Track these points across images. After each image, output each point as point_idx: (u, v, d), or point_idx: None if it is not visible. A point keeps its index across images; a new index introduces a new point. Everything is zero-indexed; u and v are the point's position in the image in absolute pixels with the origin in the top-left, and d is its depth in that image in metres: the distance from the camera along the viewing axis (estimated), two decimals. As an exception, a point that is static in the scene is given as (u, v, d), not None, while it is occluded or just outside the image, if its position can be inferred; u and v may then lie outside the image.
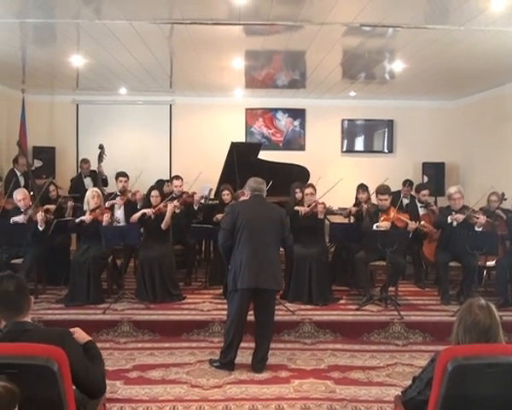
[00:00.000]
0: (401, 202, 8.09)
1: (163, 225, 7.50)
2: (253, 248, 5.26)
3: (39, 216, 7.16)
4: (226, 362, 5.42)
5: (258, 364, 5.44)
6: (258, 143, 10.51)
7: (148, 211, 7.46)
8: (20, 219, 7.23)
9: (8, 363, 2.60)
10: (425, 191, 8.57)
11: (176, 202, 7.81)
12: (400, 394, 3.30)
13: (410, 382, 3.25)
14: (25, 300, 2.94)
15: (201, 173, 8.56)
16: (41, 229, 7.20)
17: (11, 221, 7.22)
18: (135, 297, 7.27)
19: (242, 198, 7.36)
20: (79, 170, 10.21)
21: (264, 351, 5.48)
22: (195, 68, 7.99)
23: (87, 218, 7.25)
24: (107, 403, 3.84)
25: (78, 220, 7.33)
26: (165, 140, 11.19)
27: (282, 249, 7.94)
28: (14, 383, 2.25)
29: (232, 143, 9.24)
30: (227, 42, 6.37)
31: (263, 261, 5.27)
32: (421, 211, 8.46)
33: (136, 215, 7.49)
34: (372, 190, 7.95)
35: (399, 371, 5.53)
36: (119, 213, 8.05)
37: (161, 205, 7.54)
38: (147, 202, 7.82)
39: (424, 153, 10.98)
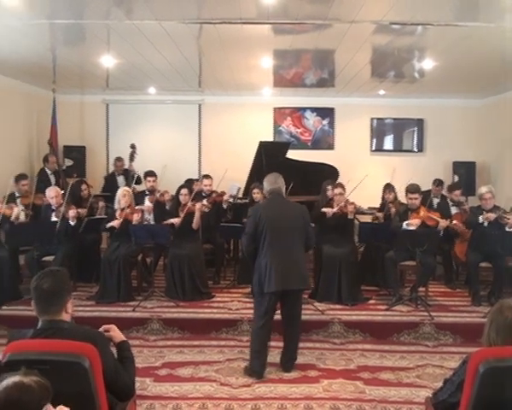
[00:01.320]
0: (431, 201, 7.99)
1: (194, 225, 7.54)
2: (277, 250, 5.18)
3: (71, 213, 7.29)
4: (255, 370, 5.32)
5: (287, 363, 5.43)
6: (286, 143, 10.50)
7: (176, 222, 7.49)
8: (52, 217, 7.37)
9: (40, 359, 2.63)
10: (458, 191, 8.42)
11: (205, 202, 7.85)
12: (431, 395, 3.27)
13: (440, 384, 3.22)
14: (57, 301, 2.94)
15: (228, 171, 8.56)
16: (72, 224, 7.31)
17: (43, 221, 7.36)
18: (164, 295, 7.32)
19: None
20: (113, 168, 10.32)
21: (292, 351, 5.46)
22: (224, 67, 8.01)
23: (116, 223, 7.33)
24: (138, 400, 3.87)
25: (108, 226, 7.44)
26: (195, 139, 11.24)
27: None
28: (46, 378, 2.26)
29: (260, 142, 9.24)
30: (255, 41, 6.37)
31: (288, 262, 5.18)
32: (453, 210, 8.35)
33: (165, 224, 7.53)
34: (401, 189, 7.89)
35: (429, 372, 5.48)
36: (149, 216, 8.12)
37: (190, 204, 7.57)
38: (176, 201, 7.87)
39: (454, 152, 10.84)
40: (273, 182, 5.42)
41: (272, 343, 5.55)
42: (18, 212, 7.16)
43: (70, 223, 7.33)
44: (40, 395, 2.16)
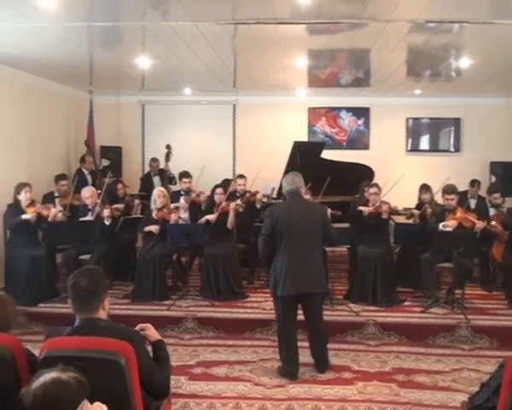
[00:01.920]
0: (468, 202, 7.88)
1: (228, 225, 7.58)
2: (293, 253, 5.11)
3: (106, 212, 7.39)
4: (285, 371, 5.32)
5: (319, 364, 5.39)
6: (321, 143, 10.46)
7: (211, 218, 7.53)
8: (88, 217, 7.48)
9: (77, 356, 2.67)
10: (497, 194, 8.23)
11: (239, 201, 7.88)
12: (467, 400, 3.22)
13: (476, 388, 3.17)
14: (94, 299, 2.97)
15: (262, 171, 8.56)
16: (107, 223, 7.41)
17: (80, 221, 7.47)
18: (199, 294, 7.38)
19: (305, 197, 7.38)
20: (148, 169, 10.43)
21: (319, 353, 5.39)
22: (259, 68, 8.02)
23: (154, 228, 7.41)
24: (172, 398, 3.91)
25: (147, 230, 7.52)
26: (229, 139, 11.28)
27: (346, 250, 8.01)
28: (83, 375, 2.28)
29: (295, 142, 9.22)
30: (290, 41, 6.36)
31: (304, 265, 5.10)
32: (492, 211, 8.21)
33: (201, 221, 7.58)
34: (438, 189, 7.80)
35: (465, 376, 5.40)
36: (184, 214, 8.18)
37: (224, 204, 7.61)
38: (211, 201, 7.91)
39: (492, 152, 10.65)
40: (291, 182, 5.33)
41: (305, 344, 5.53)
42: (55, 213, 7.28)
43: (105, 222, 7.43)
44: (77, 392, 2.18)
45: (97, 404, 2.25)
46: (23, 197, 7.10)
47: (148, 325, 3.29)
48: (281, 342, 5.37)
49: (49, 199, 7.94)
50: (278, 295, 5.15)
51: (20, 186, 7.14)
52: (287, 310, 5.21)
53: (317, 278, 5.20)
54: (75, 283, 2.97)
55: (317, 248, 5.27)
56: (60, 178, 8.38)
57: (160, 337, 3.31)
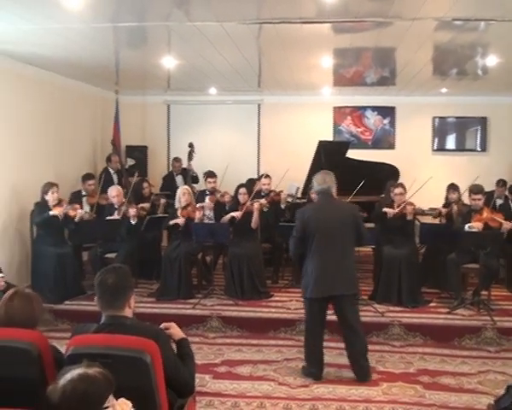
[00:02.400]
0: (494, 202, 7.79)
1: (253, 224, 7.58)
2: (324, 255, 5.03)
3: (132, 211, 7.44)
4: (310, 372, 5.29)
5: (358, 370, 5.21)
6: (346, 142, 10.40)
7: (237, 214, 7.55)
8: (114, 216, 7.55)
9: (102, 353, 2.69)
10: None
11: (263, 201, 7.88)
12: (492, 403, 3.19)
13: (502, 390, 3.14)
14: (120, 296, 3.00)
15: (288, 171, 8.56)
16: (133, 223, 7.47)
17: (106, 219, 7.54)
18: (224, 293, 7.40)
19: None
20: (171, 168, 10.49)
21: (357, 355, 5.23)
22: (283, 67, 8.01)
23: (180, 221, 7.43)
24: (197, 396, 3.93)
25: (172, 223, 7.54)
26: (254, 139, 11.29)
27: (371, 250, 7.97)
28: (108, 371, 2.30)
29: (320, 141, 9.19)
30: (315, 40, 6.34)
31: (335, 267, 5.02)
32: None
33: (226, 218, 7.60)
34: (464, 189, 7.72)
35: (491, 378, 5.33)
36: (209, 212, 8.21)
37: (248, 203, 7.62)
38: (235, 201, 7.92)
39: (519, 151, 10.52)
40: (321, 182, 5.21)
41: (331, 344, 5.54)
42: (82, 213, 7.35)
43: (131, 222, 7.49)
44: (105, 386, 2.19)
45: (122, 400, 2.26)
46: (50, 197, 7.17)
47: (172, 324, 3.30)
48: (307, 342, 5.33)
49: (76, 198, 8.02)
50: (308, 297, 5.11)
51: (47, 186, 7.22)
52: (316, 311, 5.16)
53: (348, 279, 5.09)
54: (102, 280, 3.00)
55: (348, 248, 5.16)
56: (87, 177, 8.48)
57: (184, 335, 3.32)
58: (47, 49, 6.77)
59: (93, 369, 2.19)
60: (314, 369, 5.27)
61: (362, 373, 5.21)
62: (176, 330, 3.29)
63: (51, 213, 7.07)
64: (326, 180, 5.20)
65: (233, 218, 7.56)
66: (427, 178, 7.68)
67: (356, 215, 5.23)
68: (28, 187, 7.69)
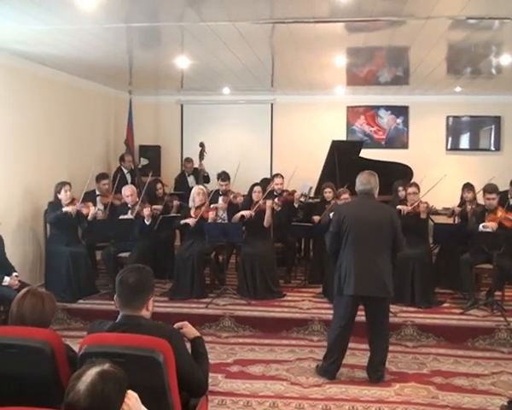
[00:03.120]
0: (509, 202, 7.73)
1: (265, 223, 7.58)
2: (358, 253, 5.00)
3: (146, 211, 7.47)
4: (325, 370, 5.28)
5: (372, 374, 5.21)
6: (359, 142, 10.37)
7: (247, 213, 7.55)
8: (127, 215, 7.58)
9: (115, 352, 2.69)
10: None
11: (276, 200, 7.87)
12: (506, 404, 3.18)
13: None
14: (139, 296, 3.01)
15: (300, 171, 8.57)
16: (147, 223, 7.49)
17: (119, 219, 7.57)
18: (236, 293, 7.40)
19: (343, 196, 7.33)
20: (183, 168, 10.52)
21: (376, 358, 5.21)
22: (296, 67, 8.00)
23: (191, 221, 7.44)
24: (209, 395, 3.94)
25: (182, 222, 7.56)
26: (267, 138, 11.28)
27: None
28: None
29: (333, 141, 9.18)
30: (328, 39, 6.33)
31: (369, 267, 4.98)
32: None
33: (236, 217, 7.61)
34: (478, 189, 7.67)
35: (505, 379, 5.30)
36: (222, 214, 8.23)
37: (261, 202, 7.61)
38: (248, 199, 7.93)
39: (534, 151, 10.43)
40: (365, 182, 5.15)
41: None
42: (94, 212, 7.37)
43: (145, 222, 7.51)
44: (122, 382, 2.17)
45: (129, 392, 2.24)
46: (63, 196, 7.21)
47: (186, 323, 3.31)
48: (330, 339, 5.28)
49: (90, 197, 8.06)
50: (344, 294, 5.05)
51: (60, 185, 7.26)
52: (349, 310, 5.10)
53: (380, 281, 5.01)
54: (123, 278, 3.01)
55: (383, 251, 5.07)
56: (101, 177, 8.54)
57: (198, 334, 3.32)
58: (61, 50, 6.81)
59: (106, 365, 2.18)
60: (331, 368, 5.22)
61: (376, 376, 5.20)
62: (189, 329, 3.29)
63: (64, 209, 7.10)
64: (370, 181, 5.16)
65: (243, 217, 7.56)
66: (440, 178, 7.64)
67: (394, 220, 5.14)
68: (42, 187, 7.75)
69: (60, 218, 7.14)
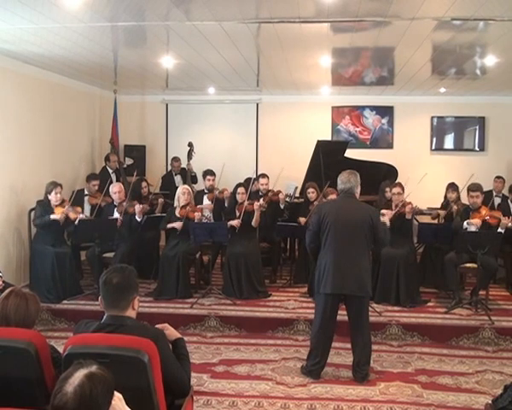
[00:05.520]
0: (493, 201, 7.80)
1: (254, 223, 7.59)
2: (338, 252, 5.04)
3: (137, 208, 7.44)
4: (310, 370, 5.28)
5: (356, 373, 5.22)
6: (344, 142, 10.40)
7: (236, 223, 7.48)
8: (114, 214, 7.55)
9: (99, 353, 2.68)
10: None
11: (261, 201, 7.86)
12: (490, 402, 3.19)
13: (500, 390, 3.14)
14: (124, 296, 2.99)
15: (285, 170, 8.58)
16: (139, 220, 7.47)
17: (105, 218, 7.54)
18: (221, 293, 7.39)
19: (331, 196, 7.34)
20: (170, 168, 10.49)
21: (358, 357, 5.21)
22: (282, 67, 8.00)
23: (178, 225, 7.42)
24: (195, 395, 3.92)
25: (169, 226, 7.55)
26: (252, 138, 11.27)
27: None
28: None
29: (318, 141, 9.20)
30: (314, 40, 6.34)
31: (348, 265, 5.01)
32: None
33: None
34: (462, 189, 7.72)
35: (489, 378, 5.34)
36: (208, 214, 8.24)
37: (246, 203, 7.61)
38: (233, 200, 7.93)
39: (518, 151, 10.52)
40: (345, 181, 5.20)
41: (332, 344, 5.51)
42: (82, 218, 7.29)
43: (136, 219, 7.49)
44: (111, 385, 2.16)
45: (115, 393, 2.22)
46: (53, 198, 7.14)
47: (166, 325, 3.31)
48: (313, 339, 5.30)
49: (79, 196, 7.96)
50: (321, 292, 5.09)
51: (52, 186, 7.16)
52: (329, 308, 5.12)
53: (360, 279, 5.05)
54: (107, 279, 3.00)
55: (362, 250, 5.12)
56: (91, 177, 8.53)
57: (179, 336, 3.32)
58: (45, 49, 6.76)
59: (94, 367, 2.16)
60: (315, 367, 5.22)
61: (360, 376, 5.21)
62: (171, 331, 3.29)
63: (52, 217, 7.04)
64: (350, 180, 5.20)
65: (232, 227, 7.54)
66: (425, 179, 7.68)
67: (374, 218, 5.18)
68: (26, 186, 7.69)
69: (47, 223, 7.08)
